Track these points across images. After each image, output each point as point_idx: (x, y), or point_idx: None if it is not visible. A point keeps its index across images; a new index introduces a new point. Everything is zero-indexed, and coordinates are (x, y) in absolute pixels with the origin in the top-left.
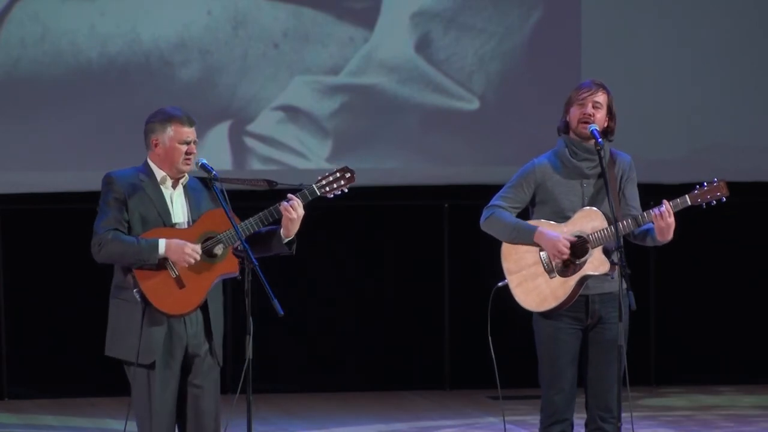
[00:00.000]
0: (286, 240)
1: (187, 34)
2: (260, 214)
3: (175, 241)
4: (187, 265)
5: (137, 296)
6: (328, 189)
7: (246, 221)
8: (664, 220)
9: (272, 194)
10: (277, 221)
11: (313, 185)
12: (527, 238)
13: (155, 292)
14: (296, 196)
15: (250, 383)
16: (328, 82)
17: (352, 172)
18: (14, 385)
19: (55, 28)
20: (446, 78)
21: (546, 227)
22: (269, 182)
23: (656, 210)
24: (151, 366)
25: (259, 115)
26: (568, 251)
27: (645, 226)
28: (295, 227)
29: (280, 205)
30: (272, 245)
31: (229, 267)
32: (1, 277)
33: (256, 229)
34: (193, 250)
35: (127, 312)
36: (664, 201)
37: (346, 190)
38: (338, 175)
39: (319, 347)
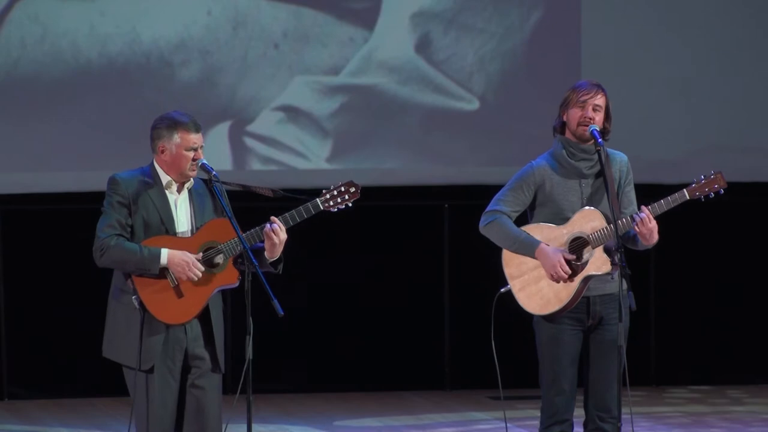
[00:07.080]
0: (271, 260)
1: (187, 34)
2: (247, 233)
3: (179, 254)
4: (188, 279)
5: (136, 303)
6: (332, 204)
7: (234, 240)
8: (645, 226)
9: (276, 199)
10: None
11: (317, 199)
12: (528, 252)
13: (153, 301)
14: (299, 210)
15: (250, 383)
16: (328, 83)
17: (357, 187)
18: (14, 385)
19: (55, 28)
20: (446, 78)
21: (546, 232)
22: (274, 191)
23: (636, 217)
24: (151, 370)
25: (259, 115)
26: (566, 276)
27: (631, 231)
28: (278, 251)
29: (263, 228)
30: (261, 262)
31: (229, 278)
32: (1, 277)
33: (247, 245)
34: (196, 267)
35: (127, 315)
36: (643, 207)
37: (350, 205)
38: (343, 189)
39: (319, 347)
